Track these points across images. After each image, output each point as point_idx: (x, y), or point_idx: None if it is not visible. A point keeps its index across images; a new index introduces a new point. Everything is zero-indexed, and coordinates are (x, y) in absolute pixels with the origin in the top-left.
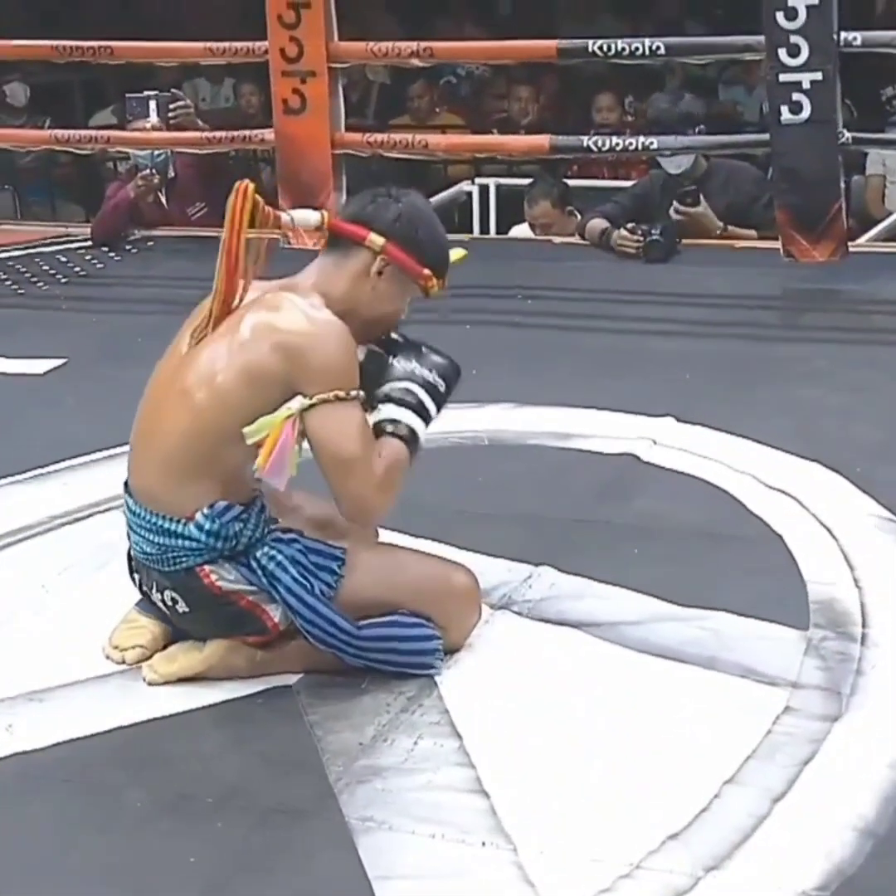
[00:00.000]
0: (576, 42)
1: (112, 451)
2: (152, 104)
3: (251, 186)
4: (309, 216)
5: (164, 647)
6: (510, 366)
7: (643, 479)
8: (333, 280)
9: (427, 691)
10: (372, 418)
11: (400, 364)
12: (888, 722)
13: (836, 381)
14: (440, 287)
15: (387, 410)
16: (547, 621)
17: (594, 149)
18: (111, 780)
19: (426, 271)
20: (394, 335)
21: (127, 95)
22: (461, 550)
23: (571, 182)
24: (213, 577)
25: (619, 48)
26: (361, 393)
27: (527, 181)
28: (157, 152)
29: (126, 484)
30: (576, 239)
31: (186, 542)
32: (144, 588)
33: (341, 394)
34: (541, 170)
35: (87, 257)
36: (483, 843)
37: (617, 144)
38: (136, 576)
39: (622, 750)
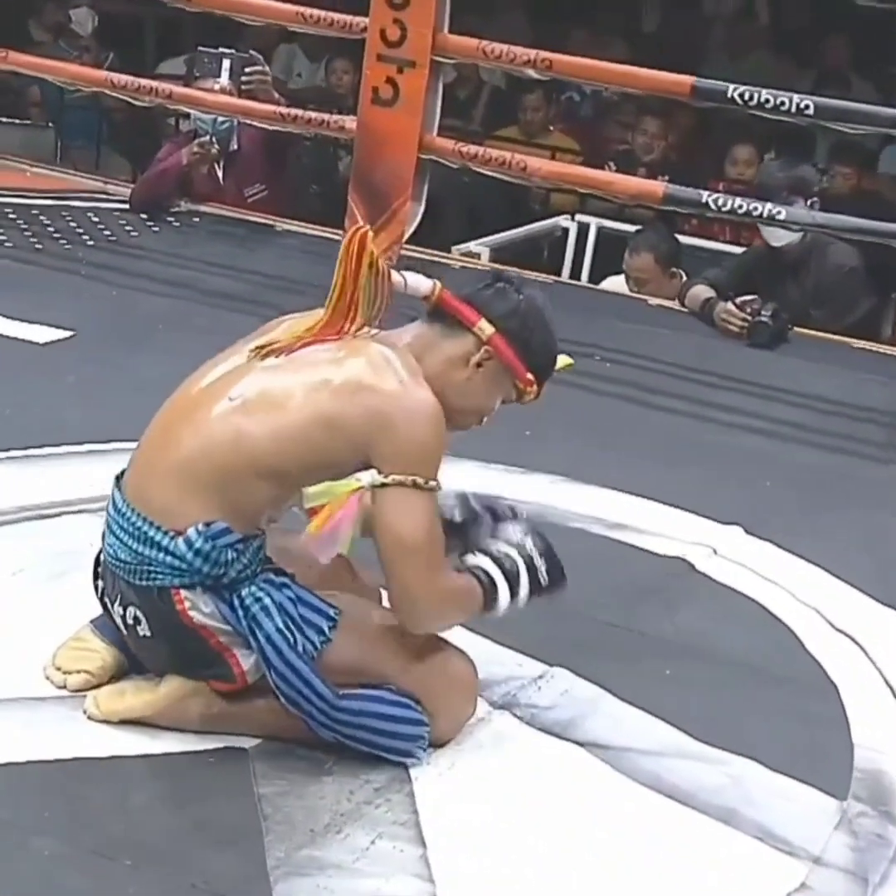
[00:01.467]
0: (714, 84)
1: (102, 447)
2: (226, 63)
3: (370, 234)
4: (421, 283)
5: (113, 680)
6: (569, 433)
7: (692, 590)
8: (430, 355)
9: (398, 785)
10: (462, 560)
11: (513, 531)
12: None
13: None
14: (536, 395)
15: (482, 561)
16: (550, 733)
17: (712, 207)
18: (20, 819)
19: (529, 375)
20: (515, 506)
21: (199, 48)
22: (469, 631)
23: (685, 239)
24: (187, 604)
25: (762, 99)
26: (440, 485)
27: (634, 228)
28: (221, 119)
29: (118, 477)
30: (675, 303)
31: (168, 558)
32: (107, 599)
33: (420, 480)
34: (654, 218)
35: (122, 222)
36: None
37: (740, 207)
38: (101, 583)
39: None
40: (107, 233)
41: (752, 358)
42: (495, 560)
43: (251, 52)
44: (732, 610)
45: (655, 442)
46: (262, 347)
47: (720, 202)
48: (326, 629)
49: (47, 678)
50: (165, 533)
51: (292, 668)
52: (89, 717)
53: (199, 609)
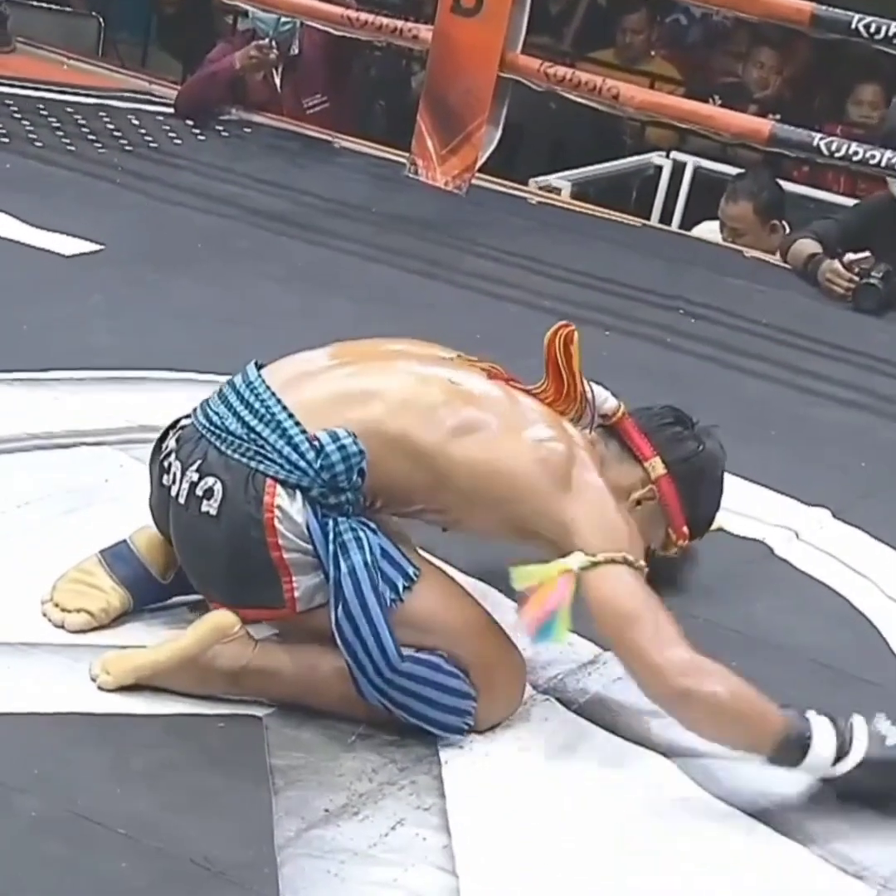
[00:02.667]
0: (838, 13)
1: (127, 374)
2: None
3: (576, 334)
4: (607, 401)
5: (115, 625)
6: (642, 391)
7: (770, 577)
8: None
9: (425, 767)
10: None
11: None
12: None
13: None
14: (684, 550)
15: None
16: (599, 724)
17: (825, 152)
18: (3, 777)
19: (685, 529)
20: None
21: None
22: (509, 600)
23: (793, 187)
24: (278, 502)
25: (891, 33)
26: (646, 567)
27: (735, 172)
28: (283, 20)
29: (255, 370)
30: (775, 257)
31: (290, 450)
32: (174, 462)
33: (630, 558)
34: (759, 162)
35: (166, 127)
36: None
37: (856, 153)
38: (172, 444)
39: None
40: (148, 139)
41: (856, 324)
42: (840, 738)
43: None
44: (813, 602)
45: (739, 410)
46: (481, 362)
47: (835, 147)
48: (401, 587)
49: (44, 615)
50: (302, 431)
51: (366, 609)
52: (100, 687)
53: (288, 514)
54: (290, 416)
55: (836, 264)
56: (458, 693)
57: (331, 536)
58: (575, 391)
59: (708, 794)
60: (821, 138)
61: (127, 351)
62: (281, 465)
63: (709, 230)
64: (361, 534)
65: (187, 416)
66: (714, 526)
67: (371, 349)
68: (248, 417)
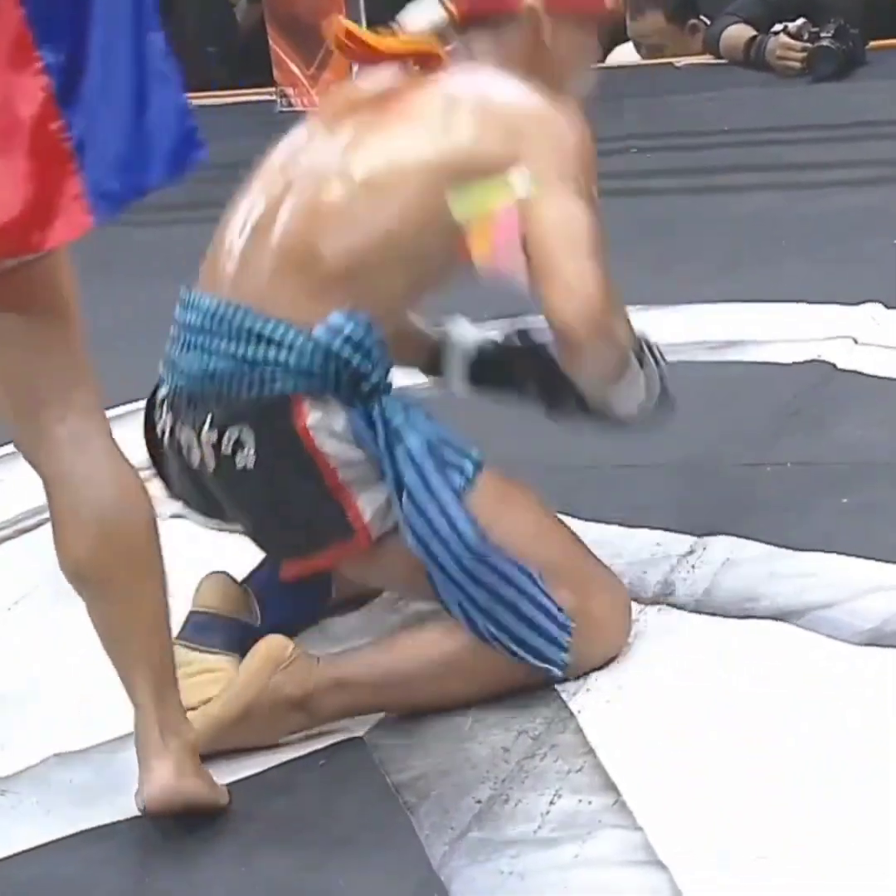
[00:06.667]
0: None
1: None
2: None
3: (345, 24)
4: (424, 12)
5: None
6: (627, 251)
7: (842, 395)
8: (509, 63)
9: (560, 726)
10: None
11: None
12: None
13: None
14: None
15: None
16: (725, 615)
17: None
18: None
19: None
20: None
21: None
22: (588, 522)
23: None
24: (311, 419)
25: None
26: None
27: None
28: None
29: (190, 293)
30: (706, 58)
31: (293, 357)
32: (178, 435)
33: (582, 184)
34: None
35: None
36: None
37: None
38: (168, 421)
39: (849, 796)
40: None
41: (823, 94)
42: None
43: None
44: None
45: (738, 233)
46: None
47: None
48: (470, 470)
49: None
50: (288, 328)
51: (431, 491)
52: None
53: (326, 428)
54: (271, 321)
55: (784, 38)
56: (551, 615)
57: (379, 426)
58: (411, 51)
59: (866, 647)
60: None
61: None
62: (293, 376)
63: (623, 55)
64: (411, 412)
65: (160, 389)
66: (766, 358)
67: (274, 188)
68: (229, 347)
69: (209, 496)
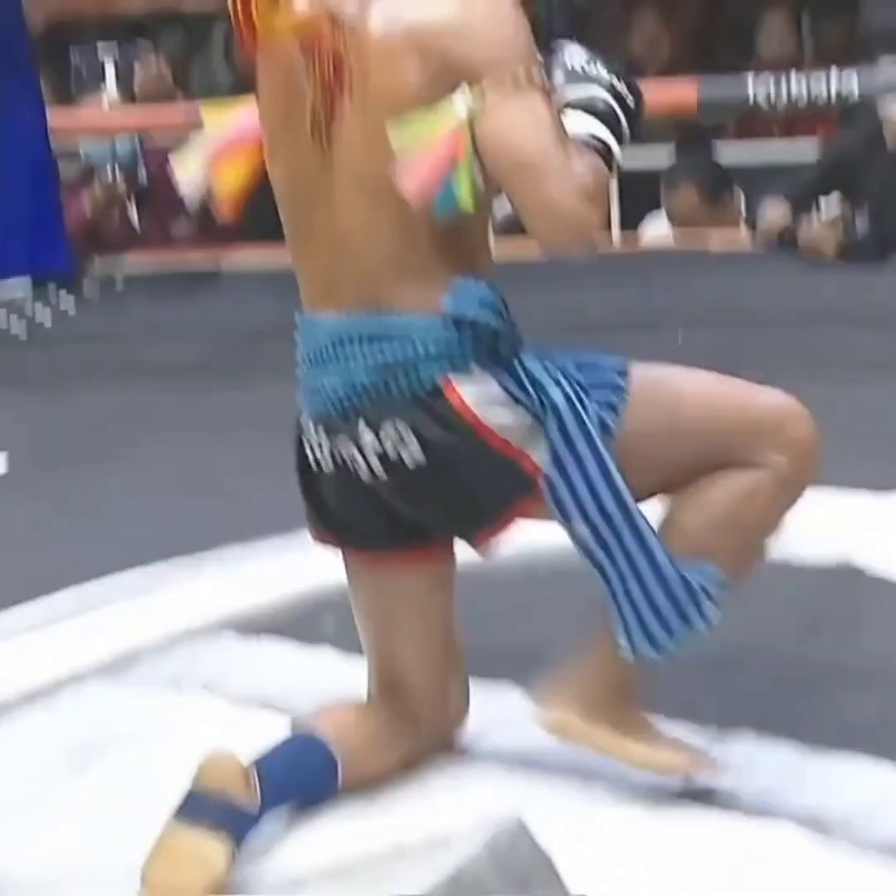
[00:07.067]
0: None
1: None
2: (109, 66)
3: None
4: None
5: None
6: None
7: (874, 605)
8: None
9: None
10: None
11: (572, 60)
12: None
13: None
14: None
15: (583, 124)
16: (751, 814)
17: (762, 104)
18: None
19: None
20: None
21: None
22: None
23: (730, 149)
24: (464, 394)
25: None
26: (545, 76)
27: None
28: (119, 146)
29: (305, 317)
30: (741, 234)
31: (431, 342)
32: (343, 451)
33: (520, 75)
34: (684, 138)
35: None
36: None
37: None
38: (326, 444)
39: None
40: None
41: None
42: (591, 112)
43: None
44: None
45: None
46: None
47: (773, 92)
48: (617, 401)
49: None
50: (413, 318)
51: (590, 442)
52: None
53: (480, 397)
54: (394, 313)
55: (817, 227)
56: (687, 586)
57: (525, 381)
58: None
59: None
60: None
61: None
62: (436, 361)
63: (657, 232)
64: (548, 363)
65: (302, 416)
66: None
67: (302, 194)
68: (364, 356)
69: (377, 505)
